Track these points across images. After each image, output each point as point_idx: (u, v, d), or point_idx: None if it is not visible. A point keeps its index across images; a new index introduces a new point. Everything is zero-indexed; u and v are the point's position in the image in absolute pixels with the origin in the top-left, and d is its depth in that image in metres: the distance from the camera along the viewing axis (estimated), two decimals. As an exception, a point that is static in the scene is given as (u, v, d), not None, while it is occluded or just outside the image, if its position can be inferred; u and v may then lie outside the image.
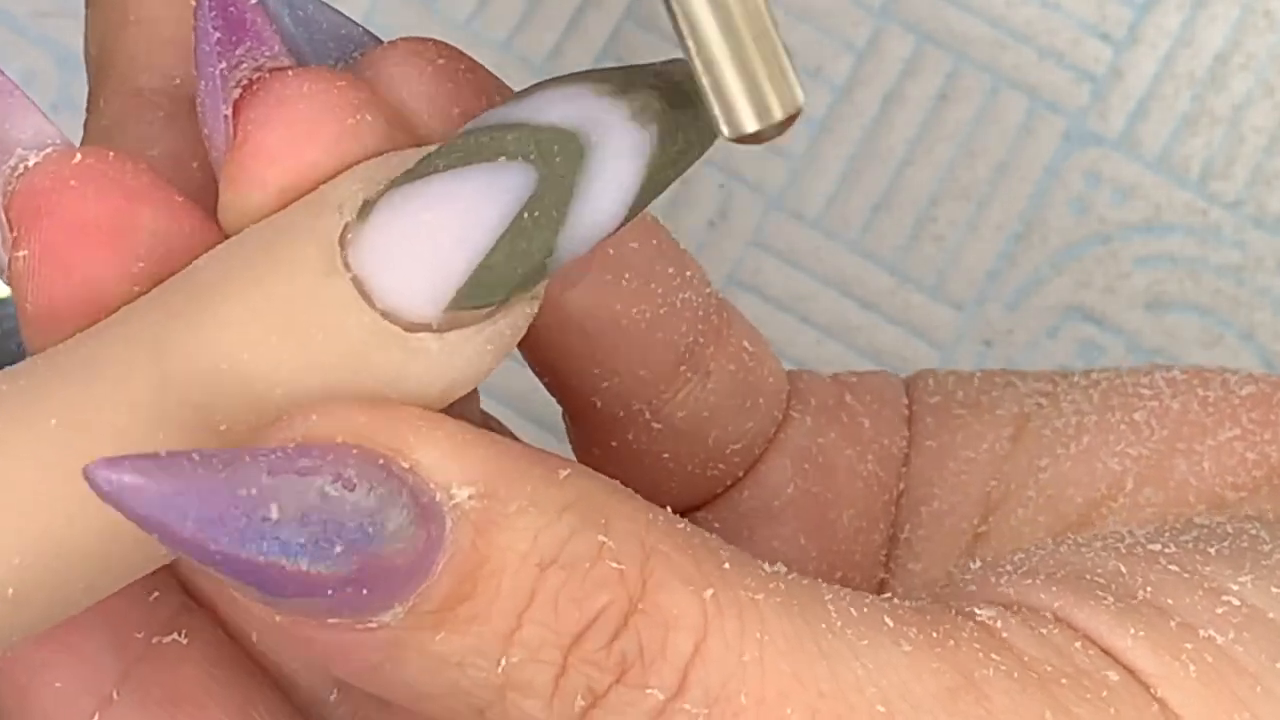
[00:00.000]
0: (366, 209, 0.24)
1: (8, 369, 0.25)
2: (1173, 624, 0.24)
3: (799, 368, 0.34)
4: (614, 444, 0.31)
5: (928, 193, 0.47)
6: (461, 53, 0.27)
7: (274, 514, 0.22)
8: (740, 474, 0.32)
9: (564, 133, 0.24)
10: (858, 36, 0.48)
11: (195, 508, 0.22)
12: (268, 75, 0.25)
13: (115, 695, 0.27)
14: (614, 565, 0.24)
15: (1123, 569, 0.25)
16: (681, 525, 0.25)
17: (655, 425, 0.31)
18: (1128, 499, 0.30)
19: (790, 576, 0.25)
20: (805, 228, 0.47)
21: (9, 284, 0.26)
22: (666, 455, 0.31)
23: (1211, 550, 0.26)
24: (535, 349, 0.30)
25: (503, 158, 0.24)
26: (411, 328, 0.24)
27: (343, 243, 0.24)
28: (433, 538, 0.23)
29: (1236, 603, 0.24)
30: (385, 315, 0.24)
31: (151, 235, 0.25)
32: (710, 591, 0.24)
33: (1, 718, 0.27)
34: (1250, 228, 0.47)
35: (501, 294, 0.24)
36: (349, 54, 0.27)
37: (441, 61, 0.26)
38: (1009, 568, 0.26)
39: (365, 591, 0.23)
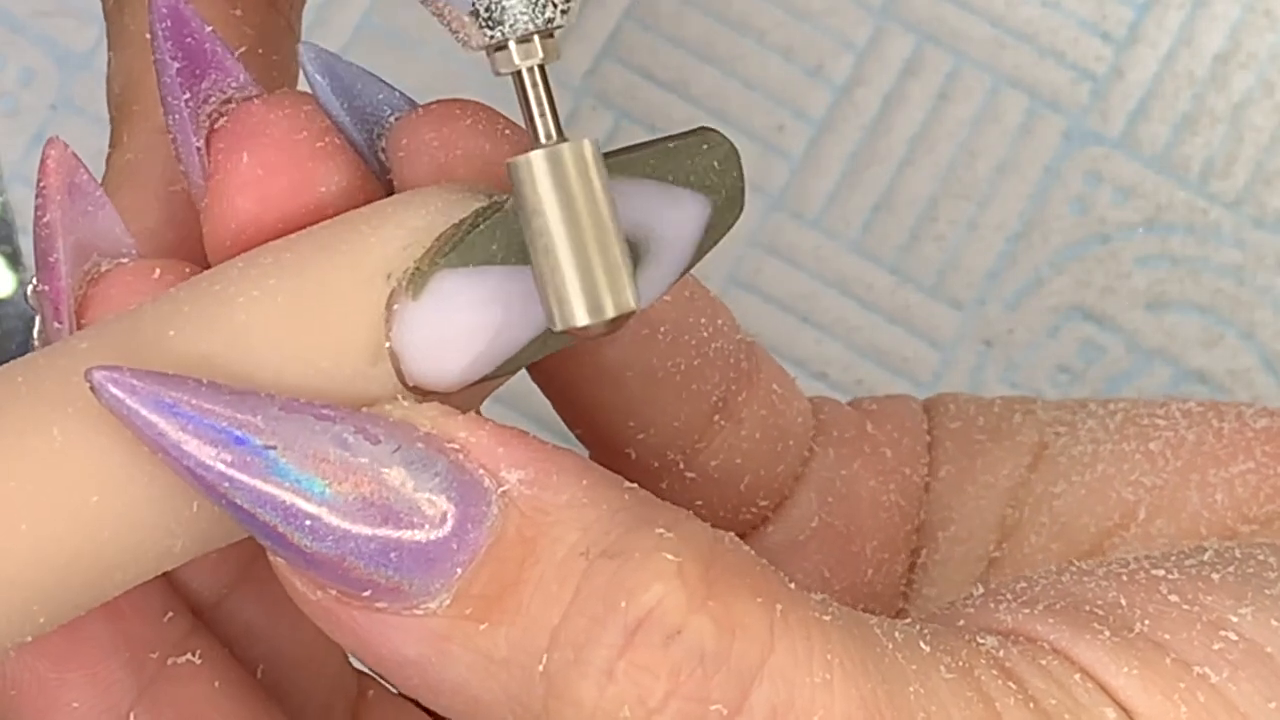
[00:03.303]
0: (419, 281, 0.24)
1: (31, 366, 0.24)
2: (1168, 660, 0.24)
3: (797, 370, 0.34)
4: None
5: (928, 193, 0.47)
6: (493, 111, 0.27)
7: (276, 441, 0.22)
8: (769, 514, 0.32)
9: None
10: (858, 36, 0.48)
11: (194, 419, 0.22)
12: (236, 106, 0.26)
13: (132, 717, 0.27)
14: (671, 558, 0.22)
15: (1122, 600, 0.25)
16: (745, 548, 0.24)
17: (689, 474, 0.31)
18: (1139, 529, 0.30)
19: (834, 603, 0.24)
20: (805, 228, 0.47)
21: (36, 301, 0.26)
22: (700, 503, 0.31)
23: (1215, 577, 0.25)
24: (569, 403, 0.30)
25: None
26: (426, 396, 0.25)
27: (388, 312, 0.24)
28: (474, 514, 0.22)
29: (1234, 637, 0.24)
30: (409, 388, 0.25)
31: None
32: (780, 607, 0.23)
33: None
34: (1250, 227, 0.47)
35: (513, 372, 0.25)
36: (385, 119, 0.27)
37: (471, 121, 0.26)
38: (1009, 595, 0.26)
39: (392, 555, 0.22)
